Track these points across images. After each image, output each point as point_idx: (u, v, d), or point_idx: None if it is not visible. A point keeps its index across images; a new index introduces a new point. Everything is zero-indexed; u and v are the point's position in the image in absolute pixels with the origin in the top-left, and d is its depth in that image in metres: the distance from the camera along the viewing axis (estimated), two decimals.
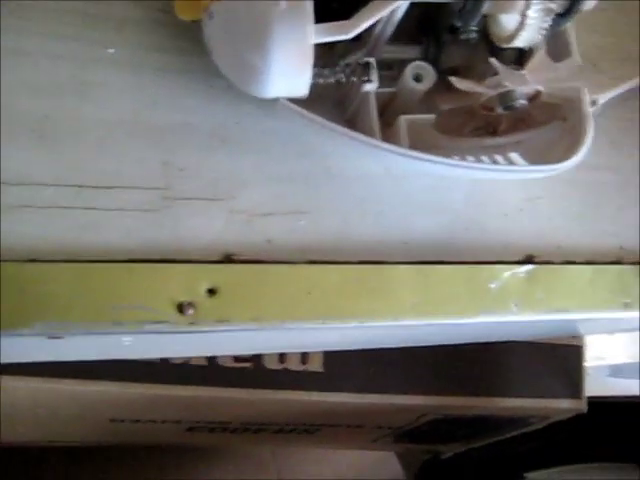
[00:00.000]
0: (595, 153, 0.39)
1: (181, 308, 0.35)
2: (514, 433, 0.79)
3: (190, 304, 0.35)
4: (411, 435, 0.80)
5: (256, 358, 0.62)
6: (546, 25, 0.35)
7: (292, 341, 0.46)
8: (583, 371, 0.74)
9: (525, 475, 0.88)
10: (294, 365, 0.63)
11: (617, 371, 0.81)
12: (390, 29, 0.37)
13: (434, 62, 0.39)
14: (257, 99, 0.37)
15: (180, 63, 0.38)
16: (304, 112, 0.35)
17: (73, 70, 0.37)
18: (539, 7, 0.34)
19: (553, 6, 0.34)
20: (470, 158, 0.39)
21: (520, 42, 0.36)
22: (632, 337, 0.81)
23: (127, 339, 0.37)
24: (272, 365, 0.63)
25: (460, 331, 0.44)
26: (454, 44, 0.39)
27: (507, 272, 0.42)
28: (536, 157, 0.39)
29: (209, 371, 0.61)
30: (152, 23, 0.38)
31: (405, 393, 0.66)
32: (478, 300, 0.40)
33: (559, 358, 0.73)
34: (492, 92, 0.37)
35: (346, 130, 0.35)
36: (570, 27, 0.37)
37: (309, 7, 0.33)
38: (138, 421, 0.66)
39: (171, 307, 0.35)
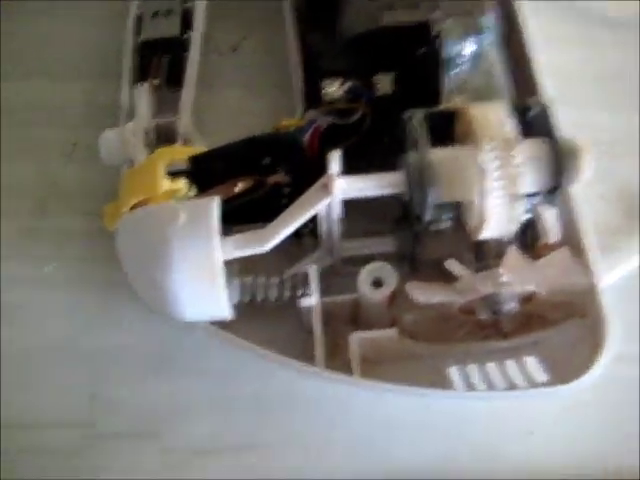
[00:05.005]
0: None
1: None
2: None
3: None
4: None
5: None
6: (519, 213, 0.27)
7: None
8: None
9: None
10: None
11: None
12: (336, 227, 0.31)
13: (411, 256, 0.32)
14: None
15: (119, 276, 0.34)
16: (228, 336, 0.30)
17: None
18: (500, 193, 0.27)
19: (520, 191, 0.27)
20: (472, 366, 0.31)
21: (488, 233, 0.28)
22: None
23: None
24: None
25: None
26: (433, 234, 0.32)
27: None
28: (557, 361, 0.30)
29: None
30: (95, 235, 0.35)
31: None
32: None
33: None
34: (489, 289, 0.29)
35: (272, 355, 0.29)
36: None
37: (214, 219, 0.28)
38: None
39: None
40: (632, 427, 0.33)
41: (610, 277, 0.35)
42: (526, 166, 0.27)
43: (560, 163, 0.27)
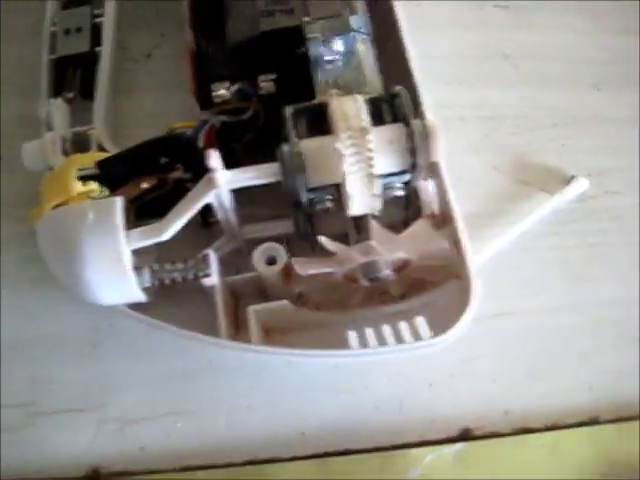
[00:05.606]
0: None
1: None
2: None
3: None
4: None
5: None
6: (378, 191, 0.31)
7: None
8: None
9: None
10: None
11: None
12: (232, 214, 0.35)
13: (308, 235, 0.36)
14: None
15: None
16: (141, 317, 0.34)
17: None
18: (359, 175, 0.30)
19: (376, 171, 0.31)
20: (367, 329, 0.35)
21: (355, 210, 0.32)
22: None
23: None
24: None
25: None
26: (322, 214, 0.35)
27: (431, 455, 0.36)
28: (442, 319, 0.34)
29: None
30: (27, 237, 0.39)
31: None
32: None
33: None
34: (362, 259, 0.33)
35: (180, 331, 0.33)
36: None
37: (119, 216, 0.32)
38: None
39: None
40: (519, 375, 0.37)
41: (504, 238, 0.39)
42: (380, 149, 0.31)
43: (413, 144, 0.31)
